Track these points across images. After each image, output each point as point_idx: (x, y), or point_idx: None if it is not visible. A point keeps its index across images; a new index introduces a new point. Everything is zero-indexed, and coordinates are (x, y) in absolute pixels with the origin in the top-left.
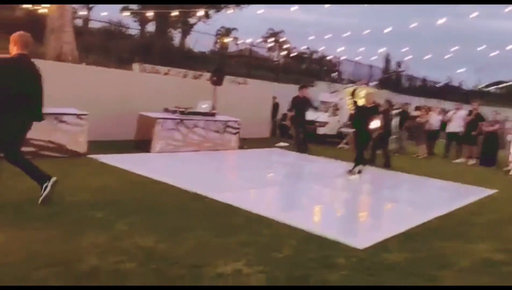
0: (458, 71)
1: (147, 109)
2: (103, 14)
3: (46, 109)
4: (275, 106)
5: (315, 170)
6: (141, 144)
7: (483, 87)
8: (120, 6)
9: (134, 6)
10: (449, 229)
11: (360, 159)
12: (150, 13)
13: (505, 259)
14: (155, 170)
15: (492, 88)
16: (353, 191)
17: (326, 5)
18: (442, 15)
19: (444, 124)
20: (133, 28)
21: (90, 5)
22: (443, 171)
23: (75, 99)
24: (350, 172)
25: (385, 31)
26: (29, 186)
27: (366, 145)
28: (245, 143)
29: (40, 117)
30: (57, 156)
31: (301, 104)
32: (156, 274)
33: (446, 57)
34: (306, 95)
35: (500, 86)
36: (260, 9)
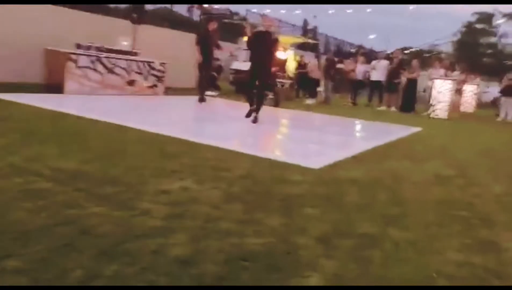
0: (370, 36)
1: (54, 47)
2: None
3: None
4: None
5: (243, 112)
6: (51, 85)
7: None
8: None
9: None
10: (395, 154)
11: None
12: None
13: (455, 174)
14: (69, 106)
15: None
16: (287, 127)
17: None
18: None
19: None
20: None
21: None
22: (369, 116)
23: None
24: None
25: None
26: None
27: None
28: (170, 90)
29: None
30: None
31: (210, 41)
32: (84, 193)
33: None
34: (214, 28)
35: (406, 51)
36: None
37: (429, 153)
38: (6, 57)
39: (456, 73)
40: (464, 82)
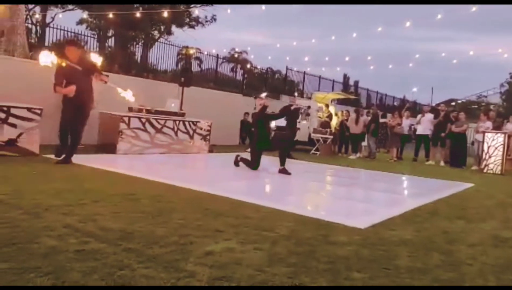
0: (414, 90)
1: (108, 111)
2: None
3: None
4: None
5: (292, 168)
6: (104, 146)
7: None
8: (77, 18)
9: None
10: (446, 212)
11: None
12: (109, 27)
13: None
14: (122, 167)
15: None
16: (331, 183)
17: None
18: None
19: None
20: (91, 37)
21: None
22: (417, 171)
23: (27, 96)
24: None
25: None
26: None
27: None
28: (215, 148)
29: None
30: (7, 154)
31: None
32: (132, 253)
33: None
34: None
35: (452, 103)
36: (223, 31)
37: (485, 212)
38: None
39: (510, 125)
40: None
